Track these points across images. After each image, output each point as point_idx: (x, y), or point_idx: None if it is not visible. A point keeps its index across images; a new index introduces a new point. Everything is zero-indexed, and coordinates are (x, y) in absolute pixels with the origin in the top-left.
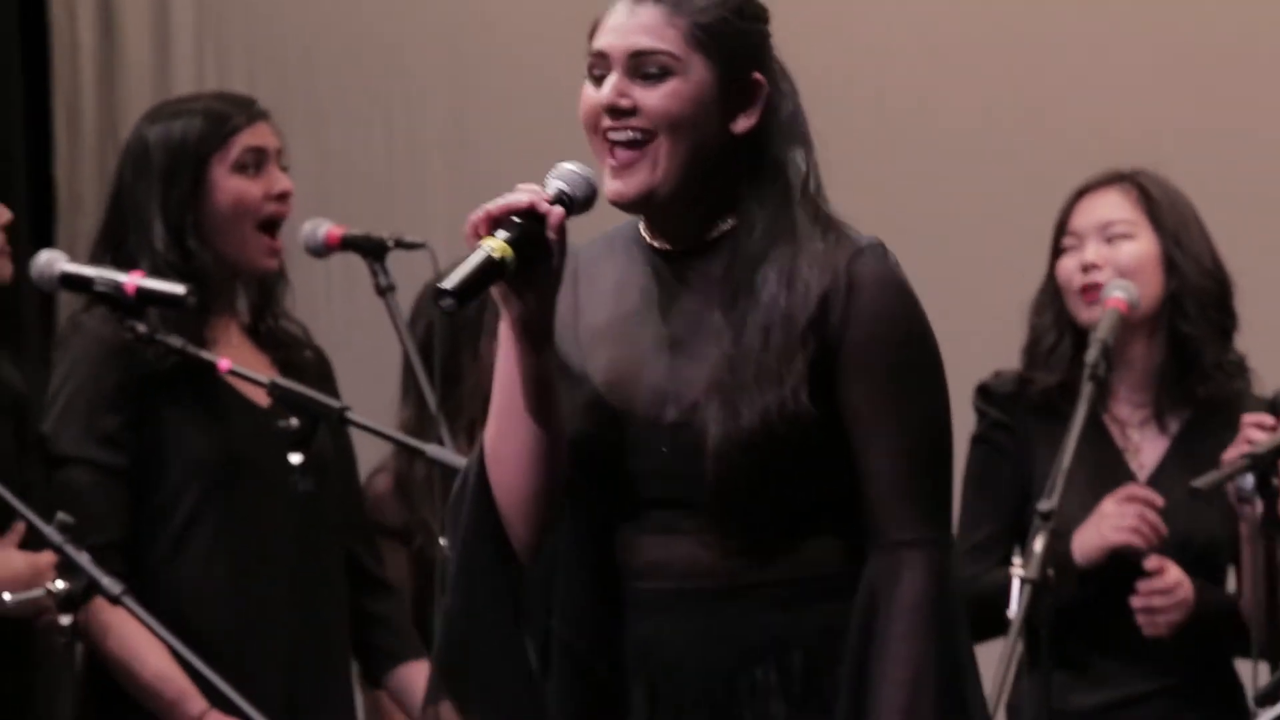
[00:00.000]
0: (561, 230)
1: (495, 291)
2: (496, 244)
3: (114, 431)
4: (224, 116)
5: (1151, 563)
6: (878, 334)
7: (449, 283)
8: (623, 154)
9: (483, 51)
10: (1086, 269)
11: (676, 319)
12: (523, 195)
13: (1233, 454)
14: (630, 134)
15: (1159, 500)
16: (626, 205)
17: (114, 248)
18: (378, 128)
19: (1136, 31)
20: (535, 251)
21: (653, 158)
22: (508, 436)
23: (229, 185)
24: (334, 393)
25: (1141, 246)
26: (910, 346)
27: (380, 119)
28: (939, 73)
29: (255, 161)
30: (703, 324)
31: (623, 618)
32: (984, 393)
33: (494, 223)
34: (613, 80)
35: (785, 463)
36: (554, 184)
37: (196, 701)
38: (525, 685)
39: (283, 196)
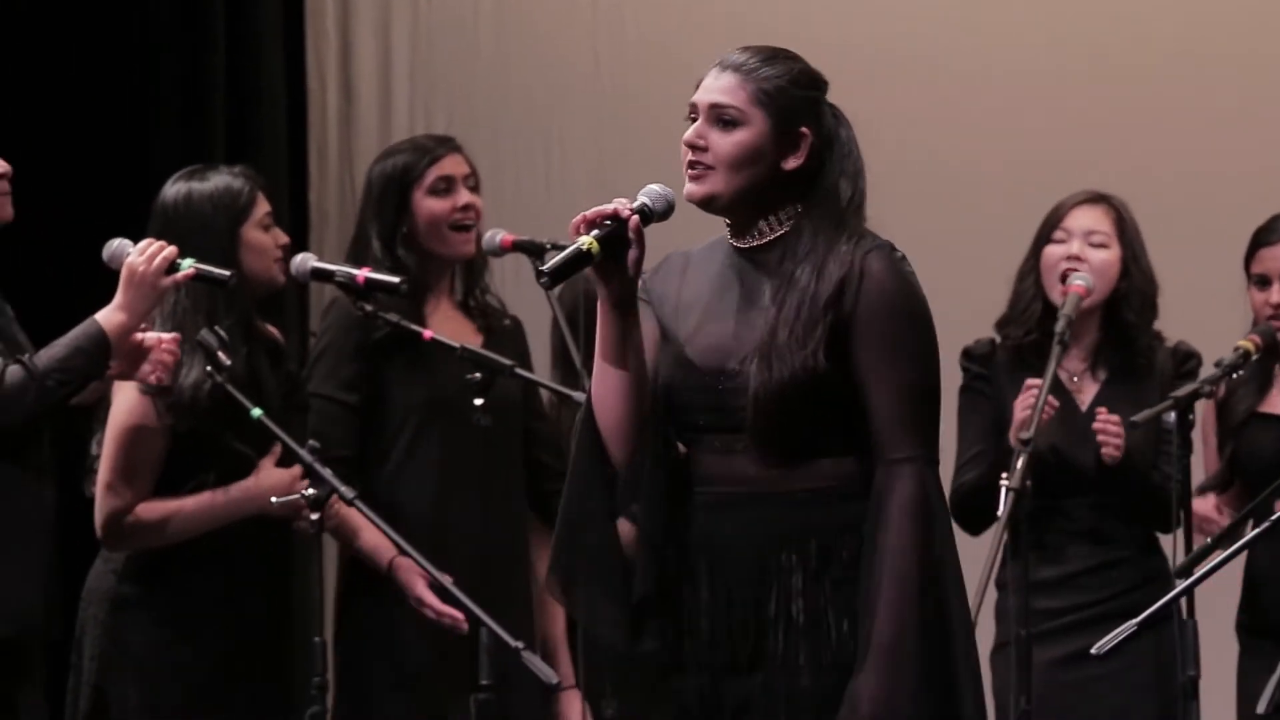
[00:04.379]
0: (638, 231)
1: (590, 274)
2: (587, 240)
3: (351, 378)
4: (424, 151)
5: (1101, 413)
6: (878, 307)
7: (546, 266)
8: (693, 171)
9: (618, 105)
10: (1070, 259)
11: (741, 297)
12: (609, 205)
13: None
14: (700, 167)
15: (1036, 383)
16: (696, 203)
17: (354, 258)
18: (539, 161)
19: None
20: (618, 245)
21: (713, 178)
22: (605, 381)
23: (425, 205)
24: (525, 350)
25: (1111, 254)
26: (903, 316)
27: (541, 153)
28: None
29: (446, 186)
30: (756, 302)
31: (688, 516)
32: (966, 354)
33: (589, 224)
34: (696, 124)
35: (807, 404)
36: (640, 197)
37: (390, 552)
38: (614, 558)
39: (466, 208)
